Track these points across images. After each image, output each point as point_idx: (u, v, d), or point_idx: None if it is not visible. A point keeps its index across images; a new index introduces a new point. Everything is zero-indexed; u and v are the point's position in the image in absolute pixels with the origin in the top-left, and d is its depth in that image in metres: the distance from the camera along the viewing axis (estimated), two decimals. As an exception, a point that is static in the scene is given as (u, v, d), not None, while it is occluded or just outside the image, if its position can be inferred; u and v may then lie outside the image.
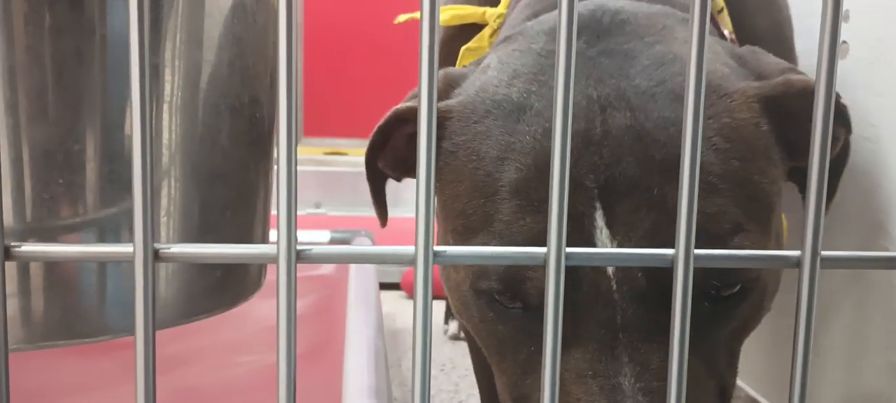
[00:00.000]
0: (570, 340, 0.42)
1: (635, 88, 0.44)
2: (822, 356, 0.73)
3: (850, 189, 0.68)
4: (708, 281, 0.41)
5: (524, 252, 0.28)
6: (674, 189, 0.41)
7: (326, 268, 1.33)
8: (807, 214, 0.27)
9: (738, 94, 0.46)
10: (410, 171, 0.59)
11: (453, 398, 1.20)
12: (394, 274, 1.84)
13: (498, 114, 0.46)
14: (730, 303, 0.44)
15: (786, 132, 0.48)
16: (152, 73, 0.32)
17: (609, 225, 0.42)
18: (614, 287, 0.41)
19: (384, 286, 1.71)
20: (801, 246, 0.27)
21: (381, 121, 0.54)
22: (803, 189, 0.55)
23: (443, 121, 0.49)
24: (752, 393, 0.88)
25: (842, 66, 0.68)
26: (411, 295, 2.03)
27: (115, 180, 0.32)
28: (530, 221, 0.43)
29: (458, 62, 0.63)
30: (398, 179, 0.61)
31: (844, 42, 0.67)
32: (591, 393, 0.40)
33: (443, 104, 0.50)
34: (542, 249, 0.27)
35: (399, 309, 1.70)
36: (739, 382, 0.91)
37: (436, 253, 0.27)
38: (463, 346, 1.44)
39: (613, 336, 0.41)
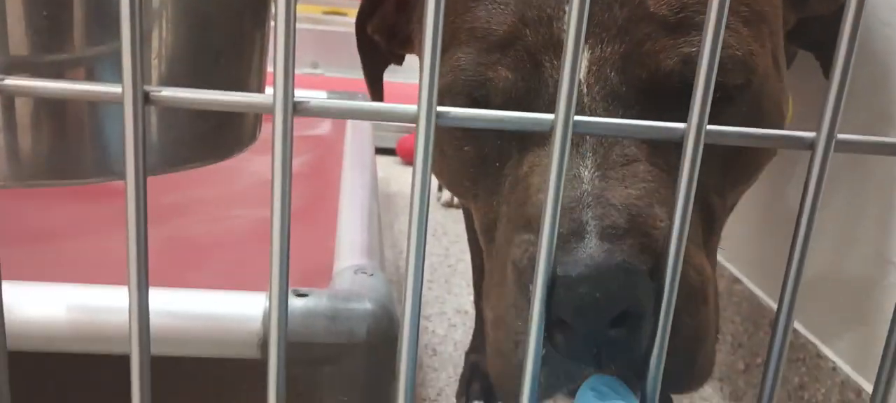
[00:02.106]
0: (533, 142, 0.43)
1: None
2: (812, 241, 0.74)
3: (861, 74, 0.66)
4: (684, 78, 0.40)
5: (530, 117, 0.27)
6: None
7: (323, 129, 1.32)
8: (827, 94, 0.26)
9: None
10: (403, 44, 0.57)
11: (443, 262, 1.23)
12: (389, 139, 1.84)
13: None
14: (717, 104, 0.42)
15: None
16: None
17: None
18: (585, 90, 0.41)
19: (379, 150, 1.71)
20: (814, 128, 0.26)
21: None
22: (819, 53, 0.53)
23: None
24: (736, 273, 0.90)
25: (871, -56, 0.65)
26: (406, 160, 2.04)
27: (104, 17, 0.30)
28: (494, 25, 0.43)
29: None
30: (396, 59, 0.60)
31: (877, -82, 0.64)
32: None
33: None
34: (550, 116, 0.26)
35: (393, 173, 1.71)
36: (723, 261, 0.93)
37: (438, 114, 0.26)
38: (455, 213, 1.46)
39: (579, 135, 0.40)
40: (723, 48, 0.40)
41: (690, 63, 0.40)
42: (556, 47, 0.41)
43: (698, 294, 0.39)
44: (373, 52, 0.60)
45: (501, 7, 0.43)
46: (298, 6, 2.61)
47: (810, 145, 0.26)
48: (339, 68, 2.17)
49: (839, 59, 0.25)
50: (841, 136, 0.26)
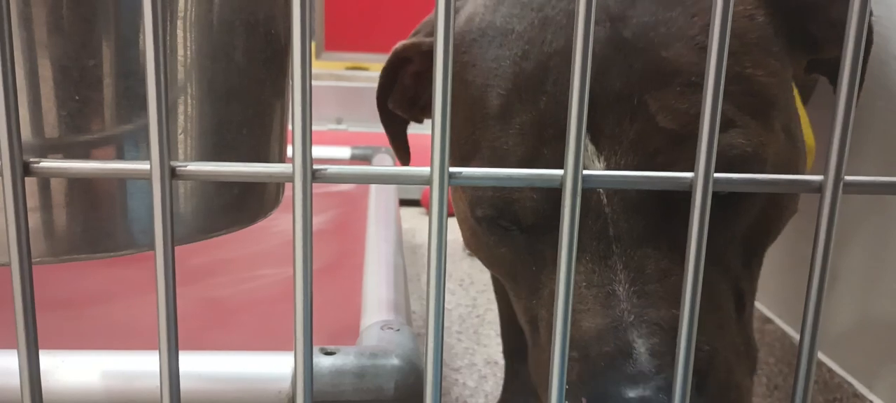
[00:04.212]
0: None
1: None
2: (837, 280, 0.73)
3: (876, 111, 0.66)
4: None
5: (541, 174, 0.27)
6: (655, 95, 0.42)
7: (347, 185, 1.34)
8: (832, 137, 0.26)
9: None
10: (423, 111, 0.59)
11: (471, 312, 1.23)
12: (414, 191, 1.85)
13: (482, 41, 0.47)
14: (734, 199, 0.43)
15: (800, 24, 0.48)
16: (165, -12, 0.32)
17: (594, 141, 0.42)
18: (605, 200, 0.41)
19: (404, 202, 1.73)
20: (823, 171, 0.27)
21: (385, 63, 0.56)
22: (832, 78, 0.54)
23: (431, 55, 0.51)
24: (767, 313, 0.89)
25: (879, -19, 0.66)
26: (431, 211, 2.01)
27: (132, 97, 0.32)
28: (513, 145, 0.44)
29: None
30: (418, 120, 0.62)
31: (884, -44, 0.64)
32: (586, 302, 0.41)
33: (431, 39, 0.51)
34: (559, 172, 0.27)
35: (419, 225, 1.72)
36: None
37: (451, 174, 0.27)
38: (480, 263, 1.46)
39: (607, 246, 0.41)
40: (732, 147, 0.41)
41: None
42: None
43: None
44: (394, 119, 0.62)
45: (518, 127, 0.43)
46: (322, 63, 2.66)
47: (818, 188, 0.27)
48: (363, 123, 2.20)
49: (840, 104, 0.26)
50: (848, 178, 0.27)
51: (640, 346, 0.38)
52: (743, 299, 0.45)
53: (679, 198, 0.41)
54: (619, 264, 0.41)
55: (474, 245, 0.51)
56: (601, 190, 0.41)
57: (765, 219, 0.46)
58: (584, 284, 0.42)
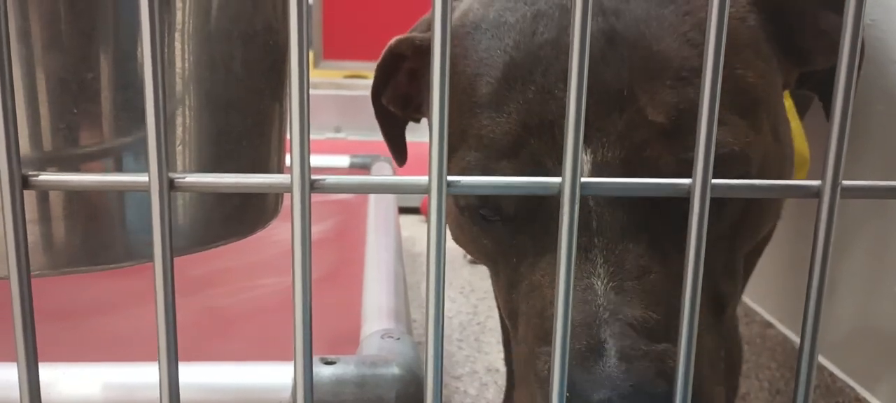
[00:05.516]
0: (546, 247, 0.44)
1: None
2: (838, 284, 0.73)
3: (875, 115, 0.66)
4: (680, 167, 0.41)
5: (539, 182, 0.27)
6: (644, 88, 0.42)
7: (346, 193, 1.34)
8: (829, 142, 0.26)
9: None
10: (417, 110, 0.59)
11: (472, 320, 1.23)
12: (414, 198, 1.85)
13: (475, 34, 0.47)
14: (716, 201, 0.43)
15: (790, 34, 0.48)
16: (163, 1, 0.32)
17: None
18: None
19: (404, 210, 1.73)
20: (821, 176, 0.27)
21: (380, 59, 0.56)
22: (822, 95, 0.54)
23: (426, 52, 0.51)
24: (768, 317, 0.89)
25: (875, -15, 0.66)
26: (430, 219, 2.03)
27: (130, 109, 0.32)
28: (500, 133, 0.44)
29: None
30: (414, 120, 0.62)
31: (879, -40, 0.64)
32: None
33: (427, 34, 0.52)
34: (557, 179, 0.27)
35: (418, 233, 1.72)
36: (754, 305, 0.92)
37: (449, 183, 0.27)
38: (482, 270, 1.46)
39: (589, 239, 0.41)
40: (720, 145, 0.41)
41: (689, 171, 0.41)
42: (559, 151, 0.42)
43: None
44: (390, 117, 0.62)
45: (505, 115, 0.44)
46: (321, 72, 2.66)
47: (816, 193, 0.27)
48: (361, 131, 2.20)
49: (837, 109, 0.26)
50: (846, 183, 0.27)
51: (611, 347, 0.38)
52: (723, 301, 0.45)
53: (663, 197, 0.41)
54: (599, 258, 0.41)
55: (459, 236, 0.51)
56: (584, 179, 0.42)
57: (746, 222, 0.46)
58: None
